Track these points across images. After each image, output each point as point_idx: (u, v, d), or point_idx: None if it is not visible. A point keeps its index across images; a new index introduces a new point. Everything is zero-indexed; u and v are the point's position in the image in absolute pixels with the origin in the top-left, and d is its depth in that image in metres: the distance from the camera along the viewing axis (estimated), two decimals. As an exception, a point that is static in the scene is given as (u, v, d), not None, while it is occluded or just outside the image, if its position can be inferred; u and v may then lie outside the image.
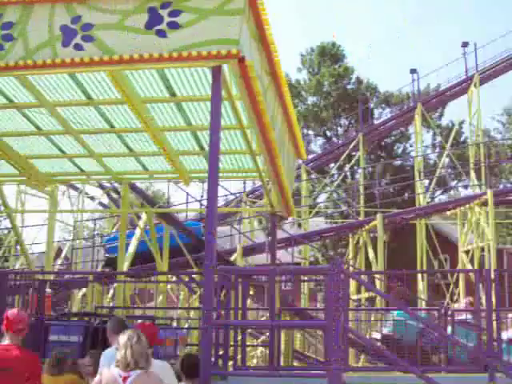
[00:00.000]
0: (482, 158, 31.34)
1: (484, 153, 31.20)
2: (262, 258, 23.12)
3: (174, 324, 14.35)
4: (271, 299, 10.92)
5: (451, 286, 27.27)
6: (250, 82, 7.45)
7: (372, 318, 21.49)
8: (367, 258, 25.32)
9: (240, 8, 7.12)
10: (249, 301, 17.28)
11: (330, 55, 54.31)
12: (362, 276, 25.35)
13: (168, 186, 33.44)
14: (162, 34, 7.12)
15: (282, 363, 12.83)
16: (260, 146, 9.22)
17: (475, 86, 32.63)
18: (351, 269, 24.75)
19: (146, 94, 9.93)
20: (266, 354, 14.19)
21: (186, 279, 15.10)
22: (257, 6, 7.48)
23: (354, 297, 25.69)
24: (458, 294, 25.88)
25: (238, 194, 30.08)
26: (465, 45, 34.40)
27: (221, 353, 9.34)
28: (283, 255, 24.94)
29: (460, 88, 34.00)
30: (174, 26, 7.12)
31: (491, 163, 37.96)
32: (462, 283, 25.92)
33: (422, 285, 26.77)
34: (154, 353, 7.90)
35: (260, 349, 21.21)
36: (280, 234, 21.42)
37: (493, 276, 9.33)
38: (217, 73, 7.22)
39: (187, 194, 23.76)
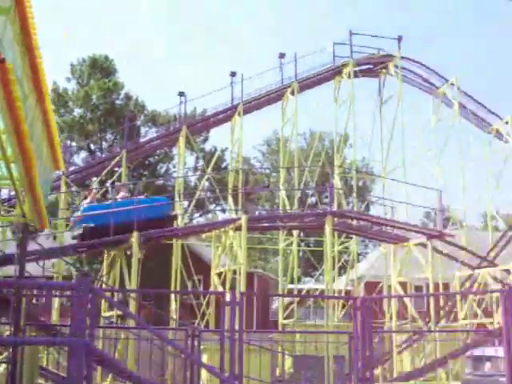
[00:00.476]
0: (240, 184, 32.59)
1: (242, 179, 32.45)
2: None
3: None
4: (15, 314, 10.50)
5: (203, 307, 27.98)
6: (9, 86, 7.15)
7: (122, 336, 21.40)
8: (122, 275, 25.17)
9: (5, 7, 6.82)
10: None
11: (101, 68, 53.73)
12: (117, 293, 25.19)
13: None
14: None
15: (24, 381, 12.36)
16: (15, 153, 8.84)
17: (239, 114, 33.92)
18: (104, 286, 24.47)
19: None
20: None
21: None
22: (24, 10, 7.21)
23: (107, 314, 25.43)
24: (209, 315, 26.62)
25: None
26: (233, 74, 35.53)
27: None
28: (36, 268, 24.03)
29: (225, 115, 35.08)
30: None
31: (248, 190, 39.54)
32: (213, 304, 26.71)
33: (174, 305, 27.18)
34: None
35: (3, 366, 20.18)
36: (33, 246, 20.71)
37: (238, 299, 9.68)
38: (-26, 72, 6.84)
39: None
